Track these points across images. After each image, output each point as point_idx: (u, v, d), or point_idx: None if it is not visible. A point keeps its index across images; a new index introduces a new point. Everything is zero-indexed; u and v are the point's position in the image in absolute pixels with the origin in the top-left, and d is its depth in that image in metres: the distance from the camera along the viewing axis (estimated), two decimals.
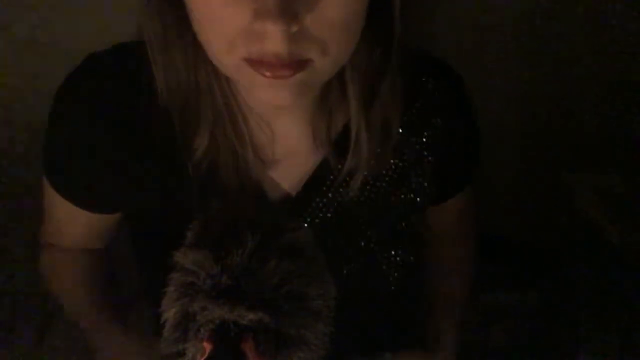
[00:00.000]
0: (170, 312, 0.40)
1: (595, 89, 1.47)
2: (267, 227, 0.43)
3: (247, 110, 0.54)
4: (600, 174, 1.37)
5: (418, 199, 0.62)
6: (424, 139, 0.61)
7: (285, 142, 0.57)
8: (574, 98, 1.48)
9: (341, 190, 0.58)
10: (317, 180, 0.58)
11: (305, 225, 0.58)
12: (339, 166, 0.57)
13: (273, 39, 0.40)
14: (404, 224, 0.64)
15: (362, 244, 0.61)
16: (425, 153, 0.61)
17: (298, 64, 0.43)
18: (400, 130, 0.58)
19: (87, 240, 0.66)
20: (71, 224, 0.63)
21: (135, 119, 0.54)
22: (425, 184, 0.62)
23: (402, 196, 0.61)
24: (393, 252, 0.64)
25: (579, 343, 1.15)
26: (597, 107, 1.49)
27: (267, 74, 0.42)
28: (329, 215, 0.58)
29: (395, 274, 0.64)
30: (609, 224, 1.22)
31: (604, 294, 1.20)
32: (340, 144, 0.57)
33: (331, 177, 0.58)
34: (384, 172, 0.59)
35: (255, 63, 0.43)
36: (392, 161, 0.59)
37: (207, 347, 0.37)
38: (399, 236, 0.64)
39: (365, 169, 0.56)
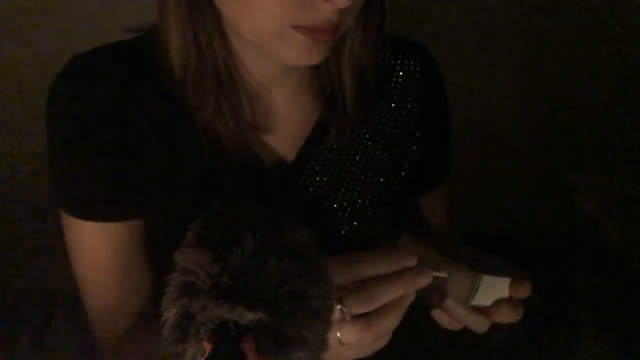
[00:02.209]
0: (170, 312, 0.40)
1: (595, 88, 1.47)
2: (267, 227, 0.43)
3: (245, 79, 0.58)
4: (600, 174, 1.37)
5: (407, 167, 0.67)
6: (408, 111, 0.66)
7: (281, 110, 0.61)
8: (574, 98, 1.48)
9: (333, 151, 0.62)
10: (313, 144, 0.62)
11: (301, 185, 0.61)
12: (330, 126, 0.61)
13: (331, 10, 0.46)
14: (392, 193, 0.67)
15: (358, 206, 0.64)
16: (411, 125, 0.67)
17: (337, 29, 0.49)
18: (389, 100, 0.65)
19: (122, 274, 0.60)
20: (101, 258, 0.59)
21: (130, 105, 0.55)
22: (414, 148, 0.67)
23: (394, 161, 0.66)
24: (388, 214, 0.66)
25: (579, 343, 1.15)
26: (597, 107, 1.49)
27: (314, 35, 0.48)
28: (324, 179, 0.62)
29: (387, 239, 0.66)
30: (609, 224, 1.22)
31: (604, 294, 1.20)
32: (332, 109, 0.62)
33: (323, 140, 0.62)
34: (377, 138, 0.64)
35: (301, 27, 0.47)
36: (385, 125, 0.65)
37: (207, 347, 0.37)
38: (394, 199, 0.67)
39: (351, 123, 0.61)
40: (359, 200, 0.64)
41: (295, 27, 0.47)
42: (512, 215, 1.48)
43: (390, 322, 0.46)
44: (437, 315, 0.52)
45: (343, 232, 0.63)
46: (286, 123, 0.61)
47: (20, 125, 1.20)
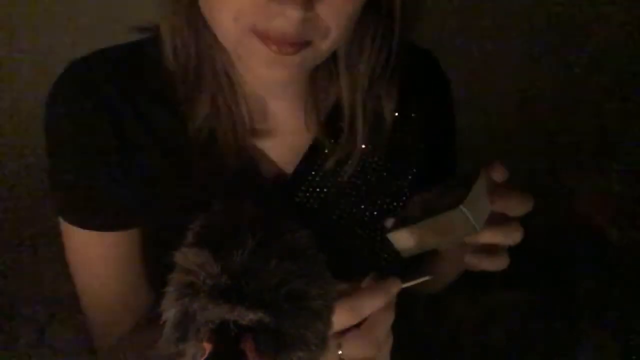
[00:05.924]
0: (170, 312, 0.40)
1: (595, 88, 1.47)
2: (267, 227, 0.43)
3: (244, 84, 0.56)
4: (600, 174, 1.37)
5: (409, 177, 0.65)
6: (411, 121, 0.64)
7: (279, 119, 0.59)
8: (574, 98, 1.48)
9: (336, 170, 0.60)
10: (311, 159, 0.60)
11: (298, 202, 0.60)
12: (332, 145, 0.59)
13: (286, 20, 0.44)
14: (395, 204, 0.65)
15: (356, 220, 0.63)
16: (414, 135, 0.64)
17: (301, 44, 0.47)
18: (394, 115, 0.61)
19: (121, 282, 0.60)
20: (100, 267, 0.59)
21: (127, 112, 0.55)
22: (417, 160, 0.64)
23: (396, 172, 0.64)
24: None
25: (578, 343, 1.15)
26: (597, 107, 1.49)
27: (273, 47, 0.46)
28: (325, 190, 0.60)
29: (389, 252, 0.64)
30: (609, 224, 1.22)
31: (604, 293, 1.20)
32: (331, 126, 0.60)
33: (323, 157, 0.60)
34: (376, 154, 0.62)
35: (261, 34, 0.46)
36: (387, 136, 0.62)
37: (207, 347, 0.37)
38: (395, 209, 0.65)
39: (359, 151, 0.59)
40: (359, 213, 0.63)
41: (256, 33, 0.46)
42: None
43: (386, 327, 0.47)
44: (474, 261, 0.50)
45: (343, 244, 0.62)
46: (286, 132, 0.60)
47: (20, 129, 1.20)
